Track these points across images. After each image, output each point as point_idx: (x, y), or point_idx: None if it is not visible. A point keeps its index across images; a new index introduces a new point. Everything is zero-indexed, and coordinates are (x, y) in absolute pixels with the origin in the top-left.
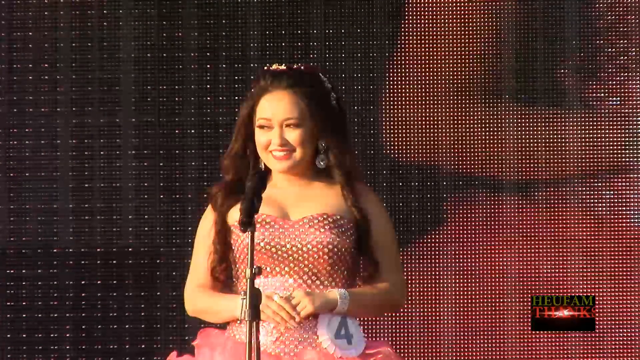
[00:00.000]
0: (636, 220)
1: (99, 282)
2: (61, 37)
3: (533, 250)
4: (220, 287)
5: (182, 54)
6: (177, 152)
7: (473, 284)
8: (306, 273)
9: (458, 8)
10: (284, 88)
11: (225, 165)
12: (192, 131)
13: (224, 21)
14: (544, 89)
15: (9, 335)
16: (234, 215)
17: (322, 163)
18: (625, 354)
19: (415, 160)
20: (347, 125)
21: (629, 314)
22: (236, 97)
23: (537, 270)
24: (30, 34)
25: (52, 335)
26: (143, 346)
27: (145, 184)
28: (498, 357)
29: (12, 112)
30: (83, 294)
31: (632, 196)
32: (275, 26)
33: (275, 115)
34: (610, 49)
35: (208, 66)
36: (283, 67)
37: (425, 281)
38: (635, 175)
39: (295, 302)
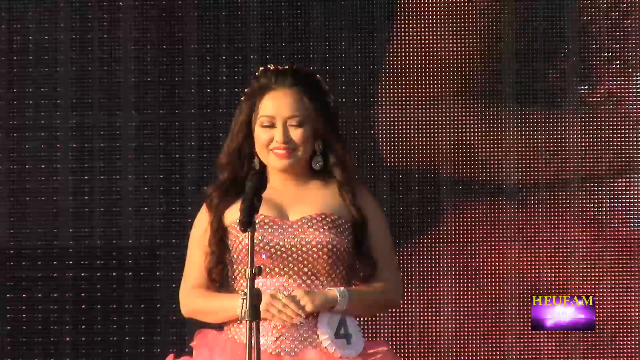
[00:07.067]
0: (636, 222)
1: (98, 281)
2: (61, 37)
3: (533, 253)
4: (216, 288)
5: (182, 53)
6: (176, 152)
7: (473, 286)
8: (305, 273)
9: (457, 9)
10: (289, 86)
11: (223, 163)
12: (192, 131)
13: (224, 21)
14: (543, 90)
15: (8, 336)
16: (231, 215)
17: (318, 164)
18: (625, 354)
19: (415, 162)
20: (340, 129)
21: (629, 314)
22: (236, 97)
23: (537, 272)
24: (30, 34)
25: (52, 335)
26: (143, 346)
27: (145, 184)
28: (498, 357)
29: (12, 112)
30: (83, 294)
31: (632, 198)
32: (275, 26)
33: (279, 112)
34: (610, 51)
35: (208, 66)
36: (285, 67)
37: (426, 282)
38: (635, 178)
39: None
